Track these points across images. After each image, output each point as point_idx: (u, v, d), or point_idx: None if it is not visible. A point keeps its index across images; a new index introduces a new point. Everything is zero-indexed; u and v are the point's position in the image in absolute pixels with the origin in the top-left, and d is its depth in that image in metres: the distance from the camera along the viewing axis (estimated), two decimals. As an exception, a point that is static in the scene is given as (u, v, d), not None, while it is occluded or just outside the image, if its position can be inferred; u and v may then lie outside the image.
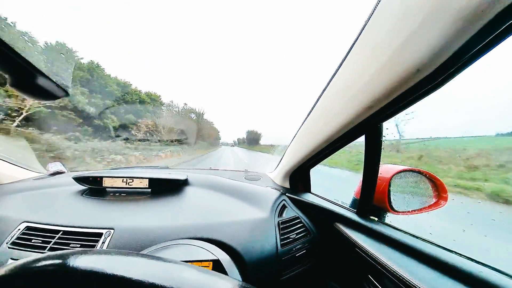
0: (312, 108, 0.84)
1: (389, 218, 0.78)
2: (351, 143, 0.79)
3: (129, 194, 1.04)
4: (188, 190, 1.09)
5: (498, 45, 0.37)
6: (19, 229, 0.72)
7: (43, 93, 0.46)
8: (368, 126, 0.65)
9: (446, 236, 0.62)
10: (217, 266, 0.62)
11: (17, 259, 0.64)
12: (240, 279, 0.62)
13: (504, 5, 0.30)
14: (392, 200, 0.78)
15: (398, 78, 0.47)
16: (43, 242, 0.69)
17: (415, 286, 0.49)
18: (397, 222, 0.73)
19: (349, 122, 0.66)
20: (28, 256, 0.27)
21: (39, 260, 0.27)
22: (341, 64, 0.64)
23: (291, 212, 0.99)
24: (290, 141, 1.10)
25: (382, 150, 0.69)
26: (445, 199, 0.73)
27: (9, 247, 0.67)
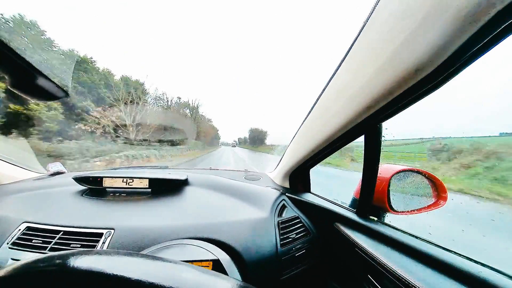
0: (312, 108, 0.84)
1: (389, 218, 0.78)
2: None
3: (129, 194, 1.04)
4: (188, 190, 1.10)
5: (498, 45, 0.37)
6: (19, 229, 0.72)
7: (43, 93, 0.47)
8: (367, 126, 0.65)
9: (445, 236, 0.62)
10: (217, 266, 0.62)
11: (17, 259, 0.65)
12: (240, 279, 0.62)
13: (504, 4, 0.30)
14: (391, 200, 0.78)
15: (397, 78, 0.47)
16: (44, 242, 0.69)
17: (414, 286, 0.49)
18: (397, 222, 0.73)
19: (349, 122, 0.66)
20: (29, 256, 0.27)
21: (39, 260, 0.27)
22: (340, 64, 0.64)
23: (291, 212, 0.99)
24: (290, 141, 1.10)
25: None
26: (445, 199, 0.74)
27: (9, 247, 0.68)
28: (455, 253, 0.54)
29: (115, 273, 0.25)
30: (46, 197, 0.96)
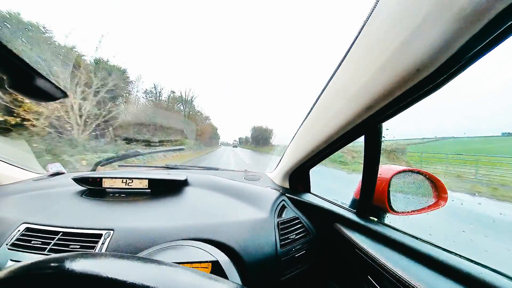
0: (312, 108, 0.84)
1: (389, 218, 0.78)
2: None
3: (128, 195, 1.04)
4: (188, 190, 1.09)
5: (499, 45, 0.36)
6: (18, 230, 0.72)
7: (41, 94, 0.46)
8: (367, 126, 0.65)
9: (445, 237, 0.62)
10: (216, 267, 0.62)
11: (16, 261, 0.65)
12: (239, 281, 0.62)
13: (505, 4, 0.30)
14: (391, 200, 0.78)
15: (397, 78, 0.46)
16: (43, 243, 0.68)
17: (414, 287, 0.49)
18: (397, 223, 0.73)
19: (349, 123, 0.66)
20: (28, 257, 0.27)
21: (38, 263, 0.27)
22: (340, 64, 0.64)
23: (290, 212, 0.99)
24: (290, 141, 1.09)
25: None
26: (445, 199, 0.73)
27: (9, 248, 0.67)
28: (455, 254, 0.53)
29: (110, 276, 0.25)
30: (46, 197, 0.96)
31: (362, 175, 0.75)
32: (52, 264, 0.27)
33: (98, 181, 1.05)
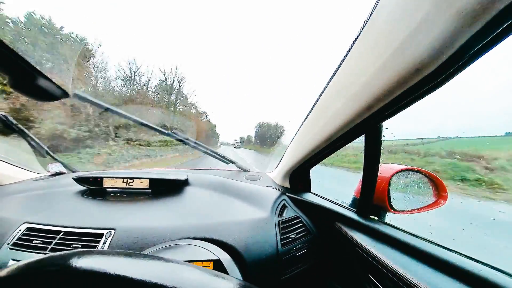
0: (312, 108, 0.84)
1: (389, 217, 0.78)
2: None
3: (129, 195, 1.04)
4: (189, 190, 1.10)
5: (499, 44, 0.36)
6: (20, 230, 0.72)
7: (43, 94, 0.47)
8: (367, 125, 0.65)
9: (446, 235, 0.62)
10: (218, 266, 0.62)
11: (18, 260, 0.65)
12: (241, 279, 0.62)
13: (505, 3, 0.30)
14: (392, 199, 0.78)
15: (397, 77, 0.47)
16: (44, 243, 0.69)
17: (415, 285, 0.49)
18: (397, 222, 0.73)
19: (349, 122, 0.66)
20: (29, 257, 0.27)
21: (41, 261, 0.27)
22: (340, 64, 0.64)
23: (291, 211, 0.99)
24: (290, 141, 1.10)
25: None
26: (445, 198, 0.74)
27: (10, 248, 0.68)
28: (456, 252, 0.54)
29: (118, 273, 0.25)
30: (47, 197, 0.96)
31: (363, 174, 0.75)
32: (57, 262, 0.27)
33: (98, 181, 1.05)
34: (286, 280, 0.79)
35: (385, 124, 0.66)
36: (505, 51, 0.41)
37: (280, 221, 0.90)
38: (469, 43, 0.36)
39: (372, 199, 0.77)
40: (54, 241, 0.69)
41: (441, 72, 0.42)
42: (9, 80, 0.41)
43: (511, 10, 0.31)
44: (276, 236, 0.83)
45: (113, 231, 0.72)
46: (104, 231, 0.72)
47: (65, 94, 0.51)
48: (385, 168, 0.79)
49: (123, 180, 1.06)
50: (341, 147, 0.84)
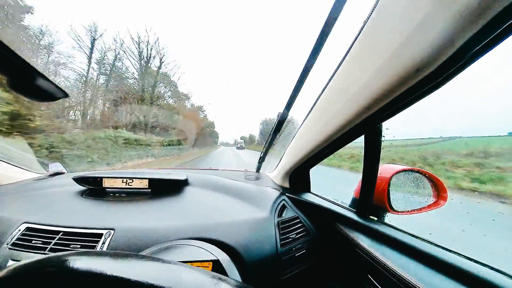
0: (312, 108, 0.84)
1: (389, 218, 0.78)
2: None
3: (129, 195, 1.04)
4: (188, 190, 1.09)
5: (500, 44, 0.36)
6: (19, 230, 0.72)
7: (42, 94, 0.46)
8: (367, 126, 0.65)
9: (445, 235, 0.62)
10: (217, 266, 0.62)
11: (17, 260, 0.65)
12: (240, 279, 0.62)
13: (506, 4, 0.30)
14: (391, 200, 0.78)
15: (397, 78, 0.47)
16: (44, 243, 0.69)
17: (414, 286, 0.49)
18: (397, 222, 0.73)
19: (349, 122, 0.66)
20: (29, 257, 0.27)
21: (39, 261, 0.27)
22: (340, 64, 0.64)
23: (290, 212, 0.99)
24: (290, 141, 1.10)
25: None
26: (445, 198, 0.73)
27: (9, 248, 0.67)
28: (455, 253, 0.54)
29: (115, 274, 0.25)
30: (46, 197, 0.96)
31: (362, 175, 0.75)
32: (56, 262, 0.27)
33: (98, 181, 1.05)
34: (285, 280, 0.79)
35: (385, 124, 0.66)
36: (506, 51, 0.41)
37: (280, 221, 0.90)
38: (469, 44, 0.36)
39: (372, 199, 0.77)
40: (54, 241, 0.69)
41: (441, 72, 0.42)
42: (7, 81, 0.41)
43: (510, 11, 0.30)
44: (276, 236, 0.83)
45: (112, 231, 0.72)
46: (104, 231, 0.72)
47: (64, 95, 0.50)
48: (385, 168, 0.79)
49: (123, 180, 1.06)
50: (341, 147, 0.84)
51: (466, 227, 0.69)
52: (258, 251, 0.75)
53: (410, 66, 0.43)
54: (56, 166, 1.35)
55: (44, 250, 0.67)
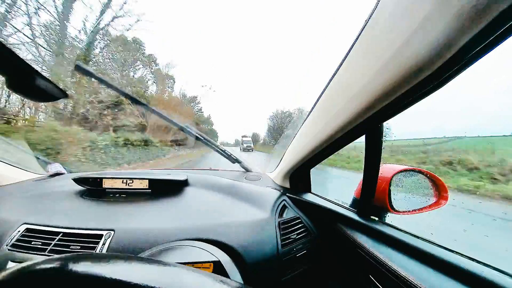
0: (312, 108, 0.84)
1: (390, 218, 0.78)
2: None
3: (129, 195, 1.04)
4: (188, 190, 1.09)
5: (501, 44, 0.36)
6: (19, 231, 0.72)
7: (41, 94, 0.46)
8: (368, 126, 0.65)
9: (447, 235, 0.62)
10: (218, 267, 0.62)
11: (17, 261, 0.65)
12: (241, 280, 0.62)
13: (507, 4, 0.30)
14: (392, 200, 0.78)
15: (399, 77, 0.46)
16: (43, 244, 0.68)
17: (416, 286, 0.49)
18: (398, 222, 0.73)
19: (350, 122, 0.66)
20: (28, 258, 0.27)
21: (38, 264, 0.27)
22: (341, 64, 0.64)
23: (291, 212, 0.99)
24: (290, 141, 1.09)
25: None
26: (446, 198, 0.73)
27: (9, 249, 0.67)
28: (457, 253, 0.53)
29: (114, 277, 0.24)
30: (46, 198, 0.96)
31: (363, 175, 0.75)
32: (54, 265, 0.26)
33: (98, 181, 1.05)
34: (286, 281, 0.79)
35: (386, 124, 0.66)
36: (506, 51, 0.41)
37: (281, 222, 0.89)
38: (470, 44, 0.35)
39: (373, 199, 0.77)
40: (53, 242, 0.68)
41: (442, 73, 0.42)
42: (6, 81, 0.41)
43: (511, 11, 0.30)
44: (277, 237, 0.83)
45: (112, 232, 0.72)
46: (103, 232, 0.72)
47: (63, 95, 0.50)
48: (386, 168, 0.79)
49: (123, 181, 1.06)
50: (342, 147, 0.84)
51: (468, 227, 0.69)
52: (259, 252, 0.75)
53: (411, 66, 0.43)
54: (55, 167, 1.35)
55: (44, 251, 0.67)
